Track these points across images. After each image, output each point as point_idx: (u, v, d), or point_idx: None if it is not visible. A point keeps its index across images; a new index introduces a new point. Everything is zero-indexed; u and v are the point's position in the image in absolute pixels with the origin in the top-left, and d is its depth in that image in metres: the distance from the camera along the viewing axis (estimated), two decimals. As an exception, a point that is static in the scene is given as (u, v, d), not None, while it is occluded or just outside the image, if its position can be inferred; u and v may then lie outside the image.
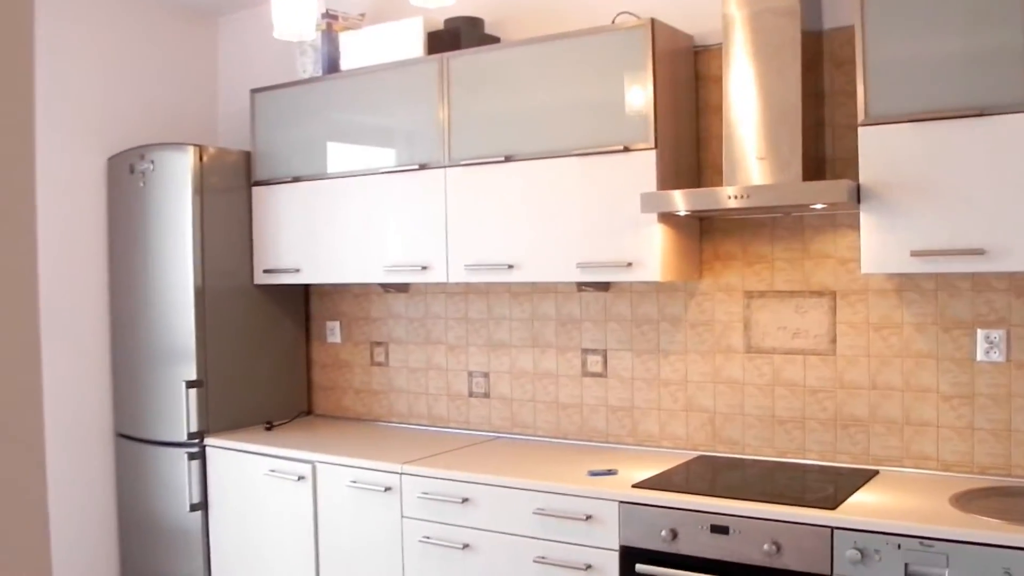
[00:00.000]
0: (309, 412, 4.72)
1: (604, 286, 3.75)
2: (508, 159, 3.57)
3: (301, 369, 4.70)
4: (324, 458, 3.77)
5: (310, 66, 4.23)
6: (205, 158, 4.19)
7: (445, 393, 4.26)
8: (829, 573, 2.68)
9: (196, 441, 4.14)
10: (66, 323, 4.30)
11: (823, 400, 3.36)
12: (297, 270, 4.22)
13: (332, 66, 4.17)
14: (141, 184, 4.28)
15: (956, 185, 2.77)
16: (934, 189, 2.80)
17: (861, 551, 2.62)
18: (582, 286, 3.77)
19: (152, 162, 4.24)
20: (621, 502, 3.04)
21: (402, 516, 3.54)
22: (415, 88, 3.82)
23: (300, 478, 3.82)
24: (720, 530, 2.86)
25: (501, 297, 4.07)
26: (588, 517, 3.10)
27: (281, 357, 4.58)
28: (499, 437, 4.06)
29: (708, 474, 3.32)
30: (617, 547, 3.05)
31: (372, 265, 3.97)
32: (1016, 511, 2.66)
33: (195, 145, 4.18)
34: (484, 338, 4.13)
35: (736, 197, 3.00)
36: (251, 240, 4.38)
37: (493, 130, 3.63)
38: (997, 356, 3.06)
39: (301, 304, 4.69)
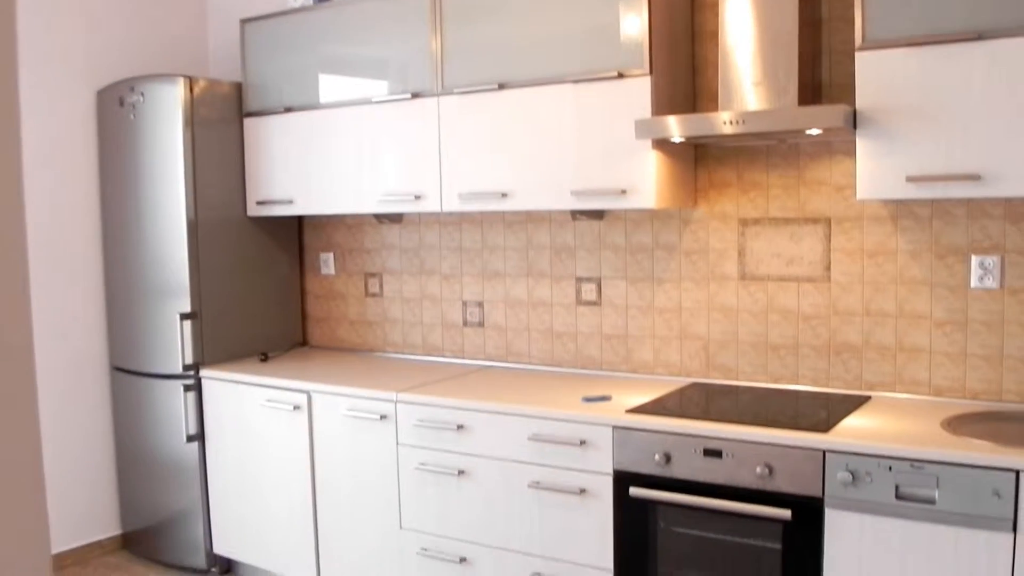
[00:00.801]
0: (304, 343, 4.74)
1: (598, 214, 3.74)
2: (501, 87, 3.54)
3: (295, 301, 4.70)
4: (319, 388, 3.79)
5: (300, -6, 4.18)
6: (196, 90, 4.14)
7: (440, 323, 4.27)
8: (821, 495, 2.72)
9: (191, 373, 4.15)
10: (59, 257, 4.29)
11: (816, 327, 3.37)
12: (290, 201, 4.20)
13: (323, -7, 4.12)
14: (131, 117, 4.24)
15: (953, 110, 2.75)
16: (931, 114, 2.78)
17: (852, 473, 2.65)
18: (576, 214, 3.76)
19: (142, 94, 4.19)
20: (615, 427, 3.07)
21: (397, 444, 3.57)
22: (407, 16, 3.76)
23: (296, 408, 3.84)
24: (713, 453, 2.89)
25: (495, 226, 4.06)
26: (582, 442, 3.13)
27: (275, 289, 4.58)
28: (494, 366, 4.08)
29: (702, 400, 3.35)
30: (611, 471, 3.08)
31: (365, 195, 3.95)
32: (1006, 434, 2.69)
33: (185, 76, 4.12)
34: (478, 268, 4.13)
35: (732, 123, 2.98)
36: (243, 172, 4.35)
37: (486, 57, 3.59)
38: (991, 283, 3.07)
39: (295, 236, 4.67)
